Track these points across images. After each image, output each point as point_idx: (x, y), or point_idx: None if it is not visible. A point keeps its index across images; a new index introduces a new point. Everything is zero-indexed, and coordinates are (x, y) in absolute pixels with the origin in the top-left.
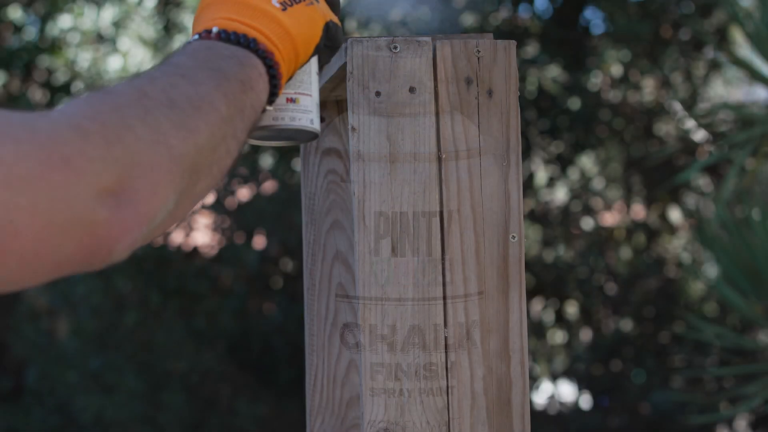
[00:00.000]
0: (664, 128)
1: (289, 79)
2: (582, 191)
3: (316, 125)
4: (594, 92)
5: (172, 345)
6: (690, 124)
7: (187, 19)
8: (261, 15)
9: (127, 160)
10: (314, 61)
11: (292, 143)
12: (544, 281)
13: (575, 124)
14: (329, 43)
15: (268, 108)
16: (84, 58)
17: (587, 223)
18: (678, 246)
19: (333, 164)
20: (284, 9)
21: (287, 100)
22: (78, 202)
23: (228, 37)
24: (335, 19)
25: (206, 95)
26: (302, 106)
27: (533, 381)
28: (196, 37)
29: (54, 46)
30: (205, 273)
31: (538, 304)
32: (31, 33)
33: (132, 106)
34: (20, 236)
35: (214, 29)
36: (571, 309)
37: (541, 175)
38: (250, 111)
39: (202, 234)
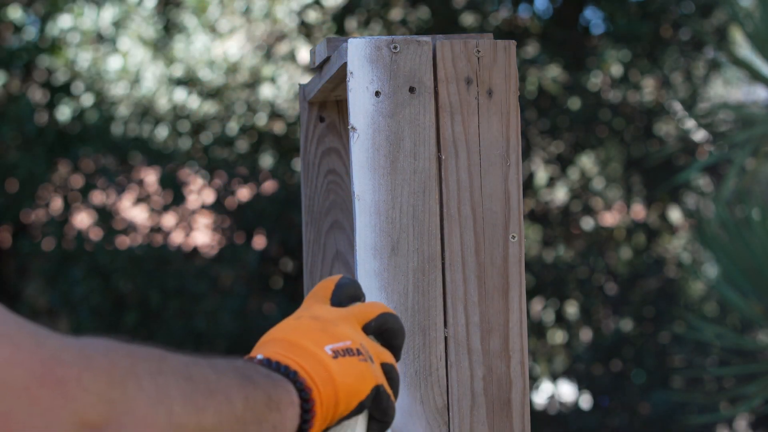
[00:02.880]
0: (664, 128)
1: None
2: (582, 191)
3: None
4: (594, 92)
5: (172, 345)
6: (690, 124)
7: (187, 19)
8: (309, 356)
9: (122, 406)
10: (360, 429)
11: None
12: (544, 281)
13: (575, 124)
14: (377, 414)
15: None
16: (84, 58)
17: (587, 223)
18: (678, 246)
19: (333, 164)
20: (335, 357)
21: None
22: (56, 426)
23: (270, 363)
24: (389, 390)
25: (226, 386)
26: None
27: (533, 381)
28: (241, 359)
29: (54, 46)
30: (205, 273)
31: (538, 304)
32: (31, 33)
33: (147, 361)
34: None
35: (259, 356)
36: (571, 309)
37: (541, 175)
38: (270, 429)
39: (202, 234)
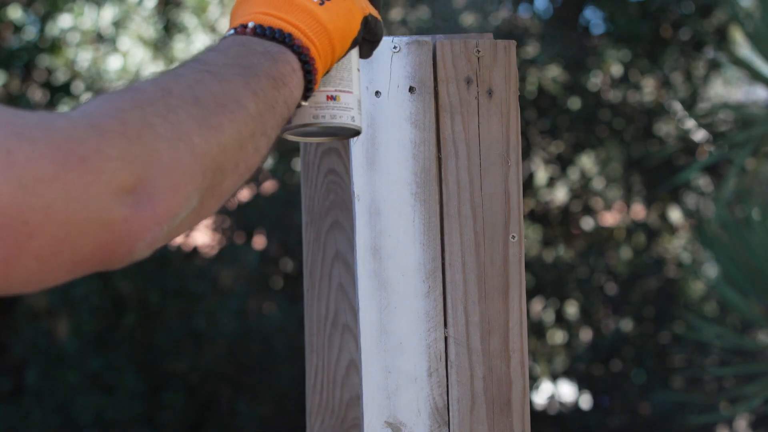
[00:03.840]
0: (664, 128)
1: (329, 75)
2: (582, 191)
3: (357, 122)
4: (594, 92)
5: (172, 345)
6: (690, 124)
7: (187, 18)
8: (297, 9)
9: (146, 158)
10: (355, 57)
11: (334, 139)
12: (544, 281)
13: (575, 124)
14: (369, 37)
15: (304, 104)
16: (84, 58)
17: (587, 223)
18: (678, 246)
19: (333, 164)
20: (321, 3)
21: (327, 97)
22: (95, 202)
23: (263, 32)
24: (375, 13)
25: (233, 92)
26: (343, 104)
27: (533, 381)
28: (232, 32)
29: (54, 46)
30: (205, 273)
31: (538, 304)
32: (31, 33)
33: (154, 103)
34: (36, 237)
35: (250, 24)
36: (571, 309)
37: (541, 175)
38: (282, 107)
39: (202, 234)
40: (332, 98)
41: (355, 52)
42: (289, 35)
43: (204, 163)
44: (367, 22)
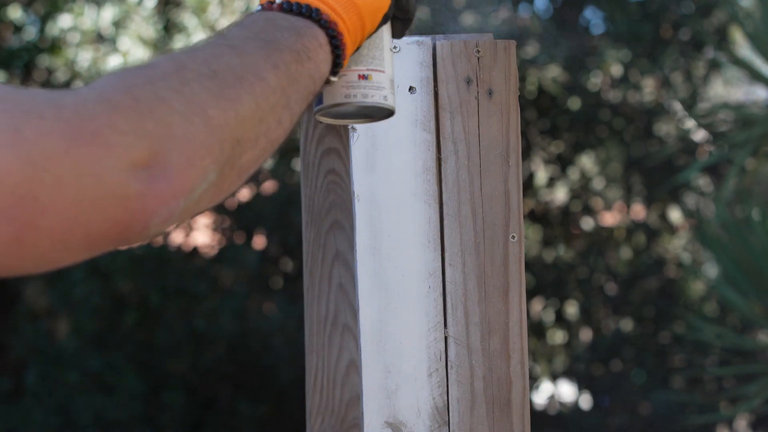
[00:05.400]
0: (664, 128)
1: (361, 54)
2: (582, 191)
3: (390, 102)
4: (594, 92)
5: (172, 345)
6: (690, 124)
7: (187, 18)
8: None
9: (160, 132)
10: (387, 36)
11: (368, 121)
12: (544, 281)
13: (575, 124)
14: (400, 14)
15: (333, 79)
16: (84, 58)
17: (587, 223)
18: (678, 246)
19: (333, 164)
20: None
21: (359, 77)
22: (108, 177)
23: (290, 7)
24: None
25: (252, 65)
26: (375, 83)
27: (533, 381)
28: (259, 8)
29: (54, 46)
30: (205, 273)
31: (538, 304)
32: (31, 33)
33: (167, 78)
34: (47, 213)
35: (277, 0)
36: (571, 309)
37: (541, 175)
38: (308, 81)
39: (202, 234)
40: (364, 77)
41: (387, 30)
42: (317, 10)
43: (221, 136)
44: None
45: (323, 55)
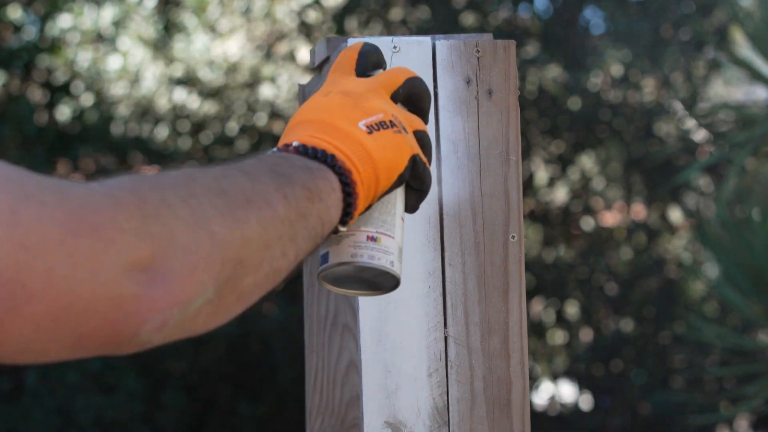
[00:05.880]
0: (664, 128)
1: (372, 216)
2: (582, 191)
3: (396, 269)
4: (594, 92)
5: (172, 345)
6: (690, 124)
7: (187, 18)
8: (344, 136)
9: (162, 237)
10: (399, 204)
11: (373, 294)
12: (544, 281)
13: (575, 124)
14: (414, 183)
15: (342, 229)
16: (84, 58)
17: (587, 223)
18: (678, 246)
19: None
20: (370, 132)
21: (368, 237)
22: (104, 273)
23: (306, 150)
24: (424, 159)
25: (262, 191)
26: (383, 246)
27: (533, 381)
28: (275, 150)
29: (54, 46)
30: None
31: (538, 304)
32: (30, 33)
33: (176, 187)
34: (34, 302)
35: (294, 143)
36: (572, 309)
37: (541, 175)
38: (316, 221)
39: None
40: (372, 239)
41: (400, 198)
42: (332, 156)
43: (223, 253)
44: (415, 162)
45: (334, 200)
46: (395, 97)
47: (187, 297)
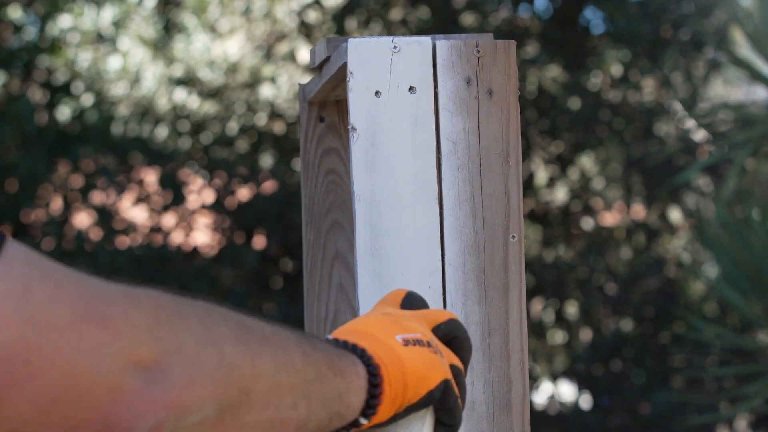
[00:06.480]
0: (664, 128)
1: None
2: (582, 191)
3: None
4: (594, 92)
5: None
6: (690, 124)
7: (187, 18)
8: (378, 342)
9: (170, 342)
10: (427, 428)
11: None
12: (544, 281)
13: (575, 124)
14: (445, 416)
15: (363, 421)
16: (84, 58)
17: (587, 223)
18: (678, 246)
19: (333, 164)
20: (405, 345)
21: None
22: (107, 363)
23: (335, 341)
24: (457, 392)
25: (282, 340)
26: None
27: (533, 381)
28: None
29: (54, 46)
30: (205, 273)
31: (538, 304)
32: (31, 33)
33: (195, 306)
34: (36, 380)
35: (328, 337)
36: (571, 309)
37: (541, 175)
38: (334, 392)
39: (202, 234)
40: None
41: (428, 424)
42: (362, 350)
43: (230, 375)
44: (447, 389)
45: (357, 385)
46: (437, 331)
47: (184, 405)
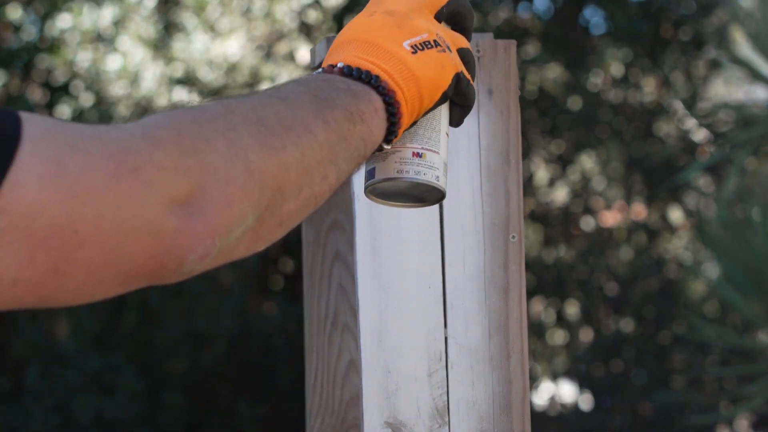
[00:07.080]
0: (664, 128)
1: (417, 133)
2: (582, 191)
3: (442, 183)
4: (594, 92)
5: (172, 345)
6: (690, 124)
7: (187, 18)
8: (388, 55)
9: (200, 171)
10: (444, 119)
11: (418, 205)
12: (545, 281)
13: (575, 124)
14: (458, 99)
15: (386, 147)
16: (84, 58)
17: (587, 223)
18: (678, 246)
19: None
20: (414, 52)
21: (413, 154)
22: (146, 212)
23: (350, 72)
24: (467, 75)
25: (301, 117)
26: (428, 162)
27: (533, 381)
28: (321, 70)
29: (53, 46)
30: (204, 273)
31: (538, 304)
32: (30, 33)
33: (214, 120)
34: (85, 247)
35: (339, 64)
36: (572, 309)
37: (541, 175)
38: (358, 142)
39: None
40: (418, 155)
41: (444, 114)
42: (376, 77)
43: (261, 181)
44: (459, 80)
45: (377, 121)
46: (439, 16)
47: (226, 227)
